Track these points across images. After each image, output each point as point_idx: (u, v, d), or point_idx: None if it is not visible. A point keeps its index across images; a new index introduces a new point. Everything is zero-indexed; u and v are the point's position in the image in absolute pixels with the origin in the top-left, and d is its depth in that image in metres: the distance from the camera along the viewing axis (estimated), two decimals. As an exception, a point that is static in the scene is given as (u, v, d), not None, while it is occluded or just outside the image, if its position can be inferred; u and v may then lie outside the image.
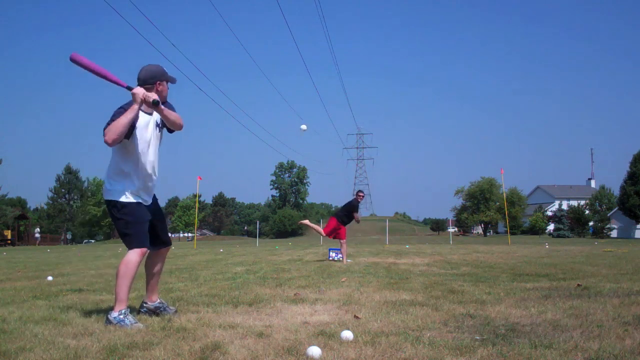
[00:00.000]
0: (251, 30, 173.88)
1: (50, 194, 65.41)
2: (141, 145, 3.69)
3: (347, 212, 10.76)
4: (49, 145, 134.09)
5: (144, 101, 3.52)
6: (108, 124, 3.49)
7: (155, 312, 3.96)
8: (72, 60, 3.56)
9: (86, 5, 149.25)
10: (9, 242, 45.18)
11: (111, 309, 3.67)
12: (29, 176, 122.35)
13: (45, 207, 68.79)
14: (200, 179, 23.65)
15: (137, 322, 3.52)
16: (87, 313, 4.08)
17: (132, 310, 3.84)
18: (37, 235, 51.82)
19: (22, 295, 5.23)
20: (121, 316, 3.50)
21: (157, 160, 3.87)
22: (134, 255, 3.61)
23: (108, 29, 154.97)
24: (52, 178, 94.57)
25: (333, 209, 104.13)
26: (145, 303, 4.00)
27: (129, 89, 3.57)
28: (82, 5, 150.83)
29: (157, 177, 3.88)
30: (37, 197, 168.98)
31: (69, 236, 65.62)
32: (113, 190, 3.67)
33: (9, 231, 47.04)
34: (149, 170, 3.77)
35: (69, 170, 66.04)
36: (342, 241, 10.65)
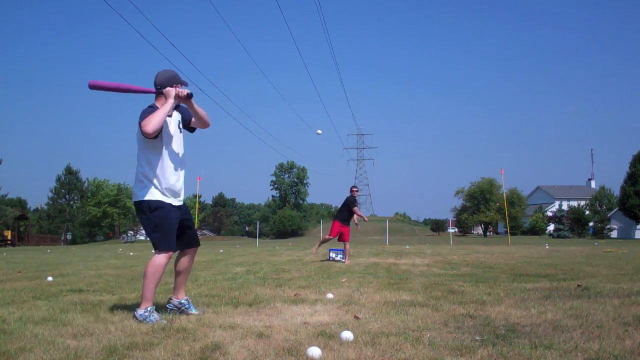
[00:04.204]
0: (251, 30, 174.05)
1: (50, 194, 65.55)
2: (167, 147, 3.81)
3: (347, 209, 10.77)
4: (49, 145, 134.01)
5: (178, 96, 3.71)
6: (142, 119, 3.59)
7: (179, 308, 4.05)
8: (91, 87, 3.67)
9: (86, 4, 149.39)
10: (9, 242, 45.17)
11: (137, 306, 3.84)
12: (29, 176, 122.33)
13: (45, 207, 68.82)
14: (200, 179, 23.67)
15: (161, 319, 3.67)
16: (87, 313, 4.08)
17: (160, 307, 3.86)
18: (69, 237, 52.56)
19: (22, 296, 5.23)
20: (146, 313, 3.67)
21: (184, 161, 3.98)
22: (162, 258, 3.75)
23: (108, 29, 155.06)
24: (52, 178, 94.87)
25: (333, 209, 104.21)
26: (171, 299, 4.11)
27: (159, 91, 3.75)
28: (82, 4, 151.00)
29: (183, 177, 3.96)
30: (37, 197, 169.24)
31: (69, 236, 65.64)
32: (142, 193, 3.76)
33: (9, 231, 47.05)
34: (177, 171, 3.87)
35: (69, 171, 66.09)
36: (345, 243, 10.66)
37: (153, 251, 3.88)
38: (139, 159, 3.84)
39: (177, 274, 4.07)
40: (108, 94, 3.80)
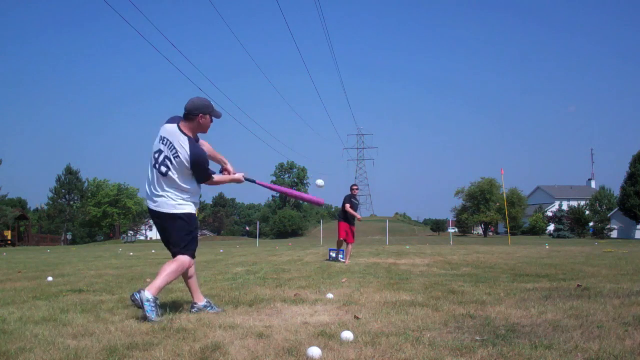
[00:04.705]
0: (251, 30, 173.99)
1: (50, 194, 65.53)
2: None
3: (344, 208, 10.71)
4: (49, 145, 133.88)
5: (235, 181, 4.35)
6: (208, 172, 4.04)
7: (204, 312, 4.14)
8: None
9: (86, 4, 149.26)
10: (9, 242, 45.16)
11: (143, 305, 3.75)
12: (29, 176, 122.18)
13: (45, 207, 68.80)
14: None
15: (162, 318, 3.73)
16: (87, 313, 4.09)
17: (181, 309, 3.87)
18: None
19: (22, 296, 5.23)
20: (153, 304, 3.71)
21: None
22: (188, 260, 4.00)
23: (108, 29, 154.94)
24: (52, 178, 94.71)
25: (333, 209, 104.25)
26: (195, 304, 4.21)
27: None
28: (82, 4, 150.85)
29: None
30: (37, 197, 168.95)
31: (69, 236, 65.62)
32: (182, 207, 4.02)
33: (9, 231, 47.04)
34: (200, 190, 4.20)
35: (69, 171, 66.06)
36: (349, 243, 10.61)
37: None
38: (179, 175, 3.96)
39: (188, 277, 4.19)
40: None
